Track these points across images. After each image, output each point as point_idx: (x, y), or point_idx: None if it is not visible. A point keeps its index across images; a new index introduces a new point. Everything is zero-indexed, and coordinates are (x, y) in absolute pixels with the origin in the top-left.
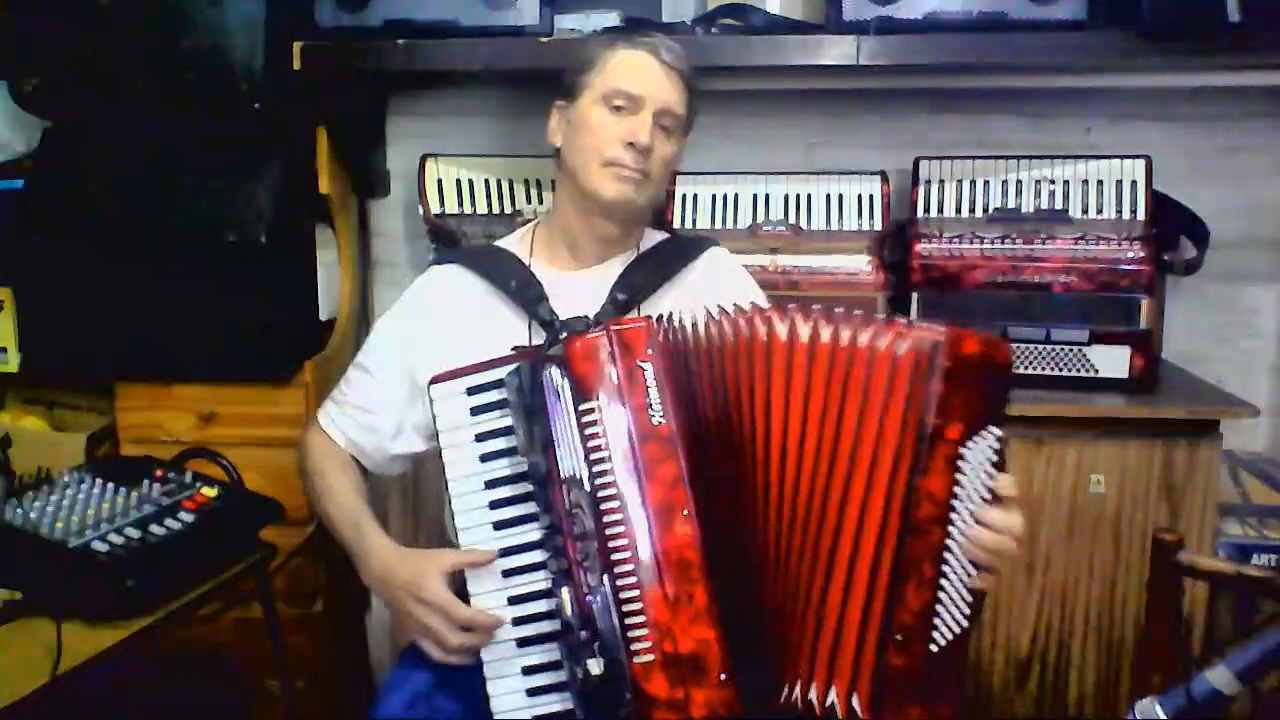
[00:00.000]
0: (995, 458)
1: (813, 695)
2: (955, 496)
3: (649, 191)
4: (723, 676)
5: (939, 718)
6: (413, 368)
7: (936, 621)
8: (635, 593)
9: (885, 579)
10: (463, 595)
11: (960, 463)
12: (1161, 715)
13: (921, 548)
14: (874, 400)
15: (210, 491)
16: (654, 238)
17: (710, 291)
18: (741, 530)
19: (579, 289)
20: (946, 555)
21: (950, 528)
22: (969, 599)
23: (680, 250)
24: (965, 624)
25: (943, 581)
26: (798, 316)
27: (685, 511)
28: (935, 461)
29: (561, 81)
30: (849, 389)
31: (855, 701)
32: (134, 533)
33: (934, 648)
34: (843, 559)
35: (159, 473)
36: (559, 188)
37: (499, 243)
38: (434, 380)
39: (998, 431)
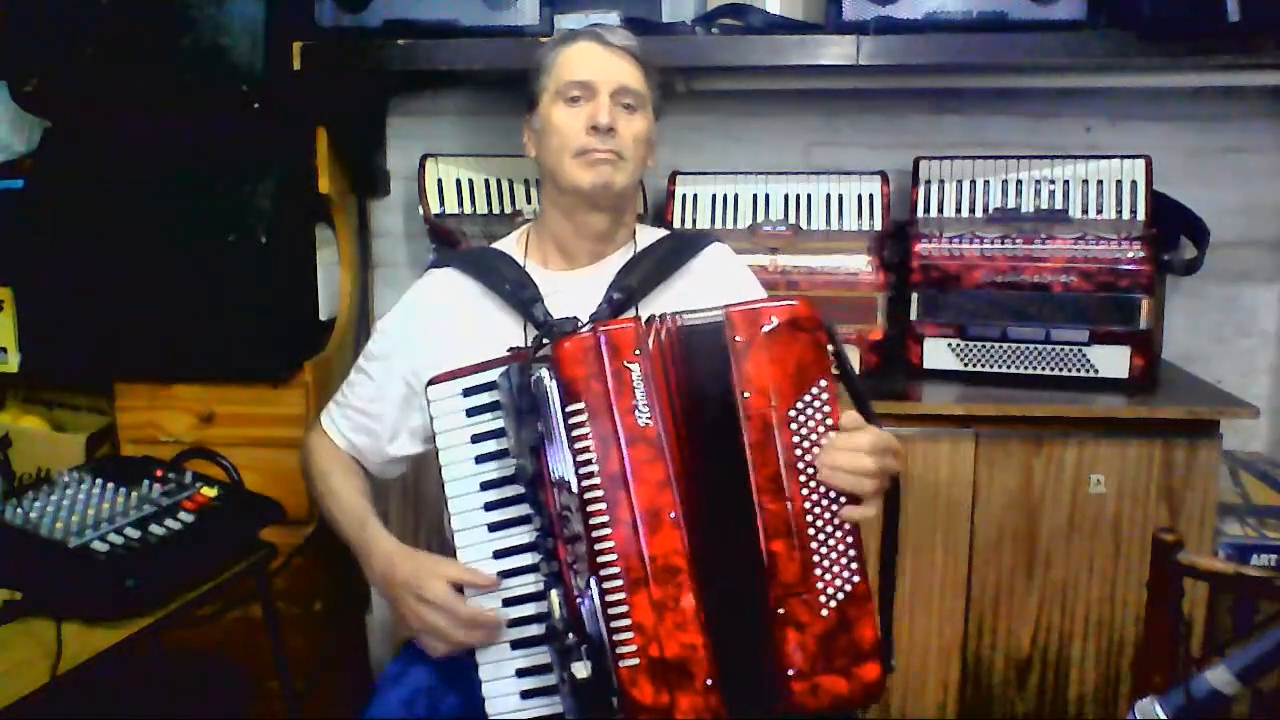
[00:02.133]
0: (828, 408)
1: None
2: (799, 459)
3: (628, 171)
4: (709, 682)
5: (862, 682)
6: (410, 371)
7: (820, 585)
8: (622, 595)
9: (762, 559)
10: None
11: (792, 425)
12: (1161, 715)
13: (774, 519)
14: (719, 388)
15: (210, 491)
16: (651, 236)
17: (710, 289)
18: (724, 532)
19: (576, 290)
20: (807, 517)
21: (802, 490)
22: (853, 552)
23: (679, 248)
24: (857, 577)
25: (813, 544)
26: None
27: (672, 514)
28: (758, 433)
29: (524, 96)
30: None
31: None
32: (134, 533)
33: (826, 612)
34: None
35: (159, 473)
36: (543, 195)
37: (494, 245)
38: (432, 381)
39: (824, 383)
